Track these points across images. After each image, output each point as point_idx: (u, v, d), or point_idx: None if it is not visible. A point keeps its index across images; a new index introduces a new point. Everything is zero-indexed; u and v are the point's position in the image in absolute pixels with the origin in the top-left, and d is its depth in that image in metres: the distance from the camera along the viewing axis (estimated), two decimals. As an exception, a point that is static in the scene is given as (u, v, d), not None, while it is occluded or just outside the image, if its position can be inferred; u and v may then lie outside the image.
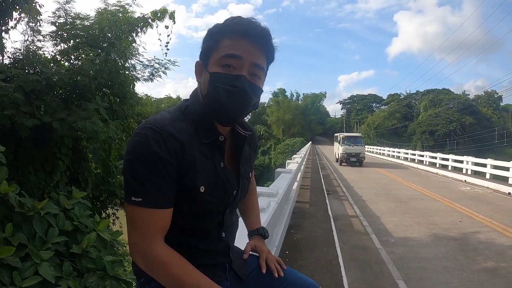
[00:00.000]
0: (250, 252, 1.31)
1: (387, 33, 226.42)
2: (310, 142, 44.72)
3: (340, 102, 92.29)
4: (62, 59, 6.81)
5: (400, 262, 4.54)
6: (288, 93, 68.31)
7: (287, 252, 4.22)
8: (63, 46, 6.73)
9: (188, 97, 1.11)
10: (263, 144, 53.59)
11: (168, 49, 7.53)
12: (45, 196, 5.07)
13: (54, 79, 5.55)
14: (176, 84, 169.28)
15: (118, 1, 6.80)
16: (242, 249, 1.32)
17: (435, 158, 20.32)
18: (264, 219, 2.26)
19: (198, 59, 1.09)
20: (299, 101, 68.46)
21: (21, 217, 3.08)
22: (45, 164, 5.62)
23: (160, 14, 6.84)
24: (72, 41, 6.52)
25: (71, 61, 6.62)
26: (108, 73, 6.25)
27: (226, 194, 1.06)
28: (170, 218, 0.97)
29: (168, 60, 7.73)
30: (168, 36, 7.39)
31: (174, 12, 6.96)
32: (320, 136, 78.29)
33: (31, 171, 5.36)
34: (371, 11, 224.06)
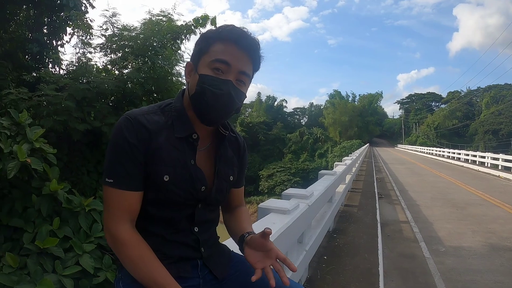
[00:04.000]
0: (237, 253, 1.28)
1: (447, 28, 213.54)
2: (368, 144, 43.29)
3: (398, 102, 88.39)
4: (113, 68, 7.22)
5: (449, 274, 4.16)
6: (344, 94, 66.68)
7: (325, 258, 4.06)
8: (112, 56, 7.13)
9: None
10: (320, 147, 52.70)
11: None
12: (96, 195, 5.39)
13: (105, 87, 5.87)
14: None
15: (161, 11, 7.06)
16: (233, 250, 1.30)
17: (497, 159, 18.60)
18: (286, 220, 2.16)
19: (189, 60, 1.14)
20: (356, 102, 66.51)
21: (69, 213, 3.44)
22: (98, 166, 5.96)
23: (201, 21, 6.98)
24: (121, 51, 6.88)
25: (120, 70, 6.99)
26: (155, 80, 6.52)
27: (193, 188, 1.09)
28: (138, 203, 1.04)
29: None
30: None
31: (215, 18, 7.07)
32: (378, 138, 75.66)
33: (84, 172, 5.71)
34: (428, 6, 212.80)
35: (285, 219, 2.20)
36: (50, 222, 3.40)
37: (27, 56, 7.31)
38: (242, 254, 1.16)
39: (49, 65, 7.44)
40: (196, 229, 1.14)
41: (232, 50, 1.05)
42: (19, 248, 3.21)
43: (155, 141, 1.04)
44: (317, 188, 3.83)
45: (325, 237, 4.76)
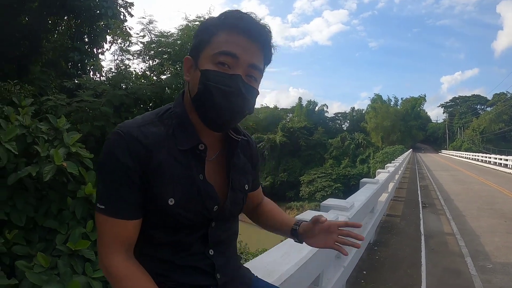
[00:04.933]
0: (260, 278, 1.17)
1: (491, 27, 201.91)
2: (411, 149, 41.76)
3: (442, 106, 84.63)
4: (151, 74, 7.34)
5: (495, 294, 3.71)
6: (385, 98, 64.59)
7: (364, 272, 3.79)
8: (150, 63, 7.25)
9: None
10: (362, 152, 51.51)
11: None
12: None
13: (143, 92, 5.94)
14: (278, 94, 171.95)
15: (197, 17, 7.09)
16: (253, 273, 1.16)
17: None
18: None
19: (188, 55, 0.96)
20: (398, 106, 64.25)
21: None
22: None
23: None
24: (158, 57, 6.98)
25: (158, 76, 7.08)
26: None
27: (205, 209, 0.93)
28: (136, 231, 0.89)
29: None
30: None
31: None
32: (421, 143, 72.75)
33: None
34: (470, 4, 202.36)
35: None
36: (83, 225, 3.46)
37: (69, 64, 7.60)
38: (299, 242, 1.18)
39: (90, 72, 7.71)
40: (211, 252, 0.97)
41: (239, 40, 0.88)
42: (51, 248, 3.27)
43: (155, 159, 0.87)
44: (358, 198, 3.59)
45: (365, 249, 4.48)
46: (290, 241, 1.88)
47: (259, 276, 1.20)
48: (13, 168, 3.47)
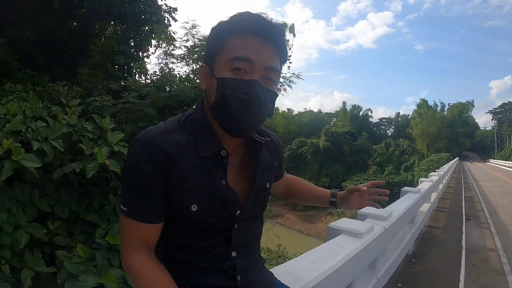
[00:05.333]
0: (286, 284, 1.17)
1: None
2: (457, 158, 39.79)
3: (490, 112, 79.37)
4: (195, 77, 7.51)
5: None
6: (431, 103, 61.86)
7: (399, 285, 3.62)
8: (194, 66, 7.42)
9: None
10: (406, 159, 49.48)
11: (290, 62, 7.58)
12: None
13: (186, 95, 6.09)
14: (322, 97, 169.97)
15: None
16: (276, 277, 1.16)
17: None
18: (357, 245, 1.91)
19: (203, 63, 0.96)
20: (445, 112, 61.33)
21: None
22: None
23: (279, 29, 6.93)
24: (202, 61, 7.12)
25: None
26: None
27: (227, 214, 0.94)
28: (157, 233, 0.92)
29: (292, 74, 7.77)
30: (289, 49, 7.47)
31: (293, 25, 7.00)
32: (468, 151, 68.97)
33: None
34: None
35: (356, 243, 1.95)
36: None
37: (115, 67, 7.96)
38: (334, 208, 1.39)
39: (135, 74, 8.03)
40: (234, 253, 0.97)
41: (253, 43, 0.86)
42: (91, 241, 3.42)
43: (177, 167, 0.87)
44: (397, 208, 3.45)
45: (402, 261, 4.30)
46: (322, 248, 1.87)
47: (287, 282, 1.20)
48: (58, 164, 3.67)
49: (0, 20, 6.32)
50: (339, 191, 1.33)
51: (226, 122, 0.88)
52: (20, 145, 3.37)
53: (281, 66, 0.95)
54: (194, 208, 0.88)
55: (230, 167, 0.96)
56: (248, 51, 0.85)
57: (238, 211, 0.95)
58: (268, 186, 1.07)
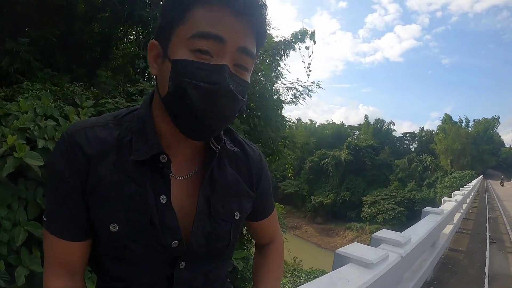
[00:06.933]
0: None
1: None
2: (481, 176, 38.21)
3: (516, 129, 76.57)
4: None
5: None
6: (456, 119, 60.15)
7: (417, 318, 3.34)
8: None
9: None
10: (429, 176, 48.39)
11: (310, 71, 7.41)
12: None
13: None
14: (348, 110, 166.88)
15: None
16: None
17: None
18: (367, 278, 1.63)
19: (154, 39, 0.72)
20: (469, 128, 59.52)
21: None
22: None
23: (300, 36, 6.78)
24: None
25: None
26: (252, 96, 6.44)
27: (158, 243, 0.70)
28: (83, 254, 0.72)
29: (312, 82, 7.58)
30: (309, 57, 7.30)
31: (314, 32, 6.81)
32: (493, 169, 66.35)
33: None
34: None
35: (366, 274, 1.67)
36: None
37: (137, 71, 7.98)
38: None
39: (154, 78, 8.04)
40: None
41: (224, 16, 0.65)
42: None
43: (95, 171, 0.67)
44: (418, 231, 3.14)
45: (421, 288, 3.97)
46: (324, 279, 1.62)
47: None
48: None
49: (24, 21, 6.44)
50: None
51: (182, 120, 0.68)
52: (25, 142, 3.30)
53: (257, 51, 0.73)
54: (114, 228, 0.67)
55: (179, 182, 0.74)
56: (218, 26, 0.64)
57: (176, 242, 0.72)
58: (237, 217, 0.82)
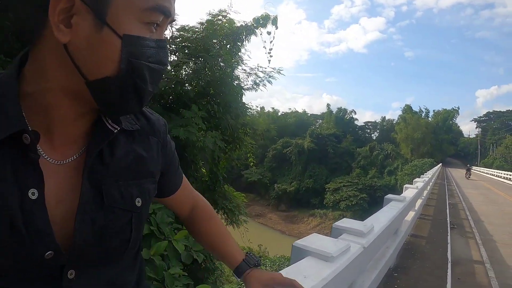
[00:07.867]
0: None
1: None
2: (440, 164, 40.01)
3: (475, 120, 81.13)
4: (171, 69, 7.08)
5: None
6: (416, 109, 62.53)
7: (380, 305, 3.33)
8: (173, 58, 6.99)
9: None
10: (390, 163, 50.00)
11: (271, 56, 7.24)
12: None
13: (160, 88, 5.69)
14: (311, 99, 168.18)
15: (220, 11, 6.77)
16: None
17: None
18: (327, 272, 1.51)
19: None
20: (429, 118, 62.09)
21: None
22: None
23: (262, 21, 6.58)
24: (179, 53, 6.72)
25: (178, 71, 6.82)
26: (212, 82, 6.21)
27: (27, 253, 0.51)
28: None
29: (273, 69, 7.39)
30: (271, 42, 7.13)
31: (276, 17, 6.63)
32: (452, 157, 70.00)
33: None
34: (511, 16, 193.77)
35: (326, 269, 1.54)
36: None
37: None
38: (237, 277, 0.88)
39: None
40: None
41: None
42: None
43: None
44: (380, 219, 3.08)
45: (384, 276, 3.97)
46: (285, 274, 1.49)
47: None
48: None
49: None
50: (256, 262, 0.88)
51: (118, 101, 0.56)
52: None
53: None
54: None
55: (58, 168, 0.57)
56: None
57: (50, 253, 0.54)
58: (139, 204, 0.65)
